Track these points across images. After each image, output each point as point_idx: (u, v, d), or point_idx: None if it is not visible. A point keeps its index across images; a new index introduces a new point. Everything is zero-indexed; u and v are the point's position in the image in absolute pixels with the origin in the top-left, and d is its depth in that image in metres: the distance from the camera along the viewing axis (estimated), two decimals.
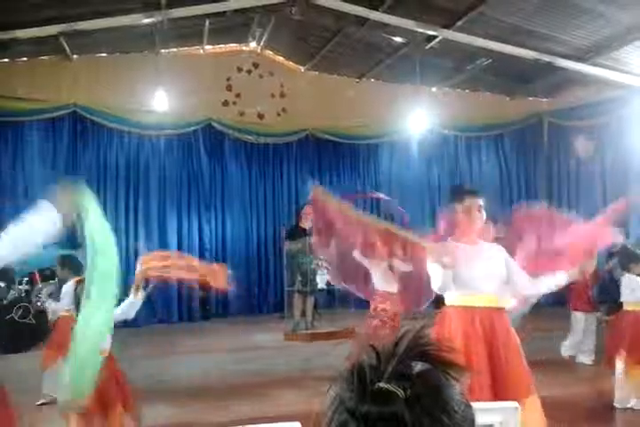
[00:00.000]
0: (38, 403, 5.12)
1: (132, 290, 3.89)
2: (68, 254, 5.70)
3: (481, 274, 2.98)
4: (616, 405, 4.82)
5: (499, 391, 2.76)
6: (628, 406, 4.75)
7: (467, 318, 2.92)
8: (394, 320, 5.99)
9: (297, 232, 7.57)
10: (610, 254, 7.86)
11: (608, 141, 9.18)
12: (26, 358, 6.31)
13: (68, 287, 5.39)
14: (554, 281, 3.18)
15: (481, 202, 3.07)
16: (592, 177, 9.56)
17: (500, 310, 3.00)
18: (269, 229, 9.78)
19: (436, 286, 2.97)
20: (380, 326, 5.99)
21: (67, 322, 5.40)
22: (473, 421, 0.74)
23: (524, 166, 10.61)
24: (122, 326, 8.62)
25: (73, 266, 5.32)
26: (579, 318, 6.59)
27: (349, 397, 0.71)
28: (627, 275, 4.95)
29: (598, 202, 9.46)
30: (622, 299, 4.93)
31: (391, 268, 6.16)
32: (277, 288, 9.34)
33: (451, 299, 3.05)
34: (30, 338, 6.58)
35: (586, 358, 6.55)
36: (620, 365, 4.76)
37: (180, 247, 9.25)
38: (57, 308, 5.40)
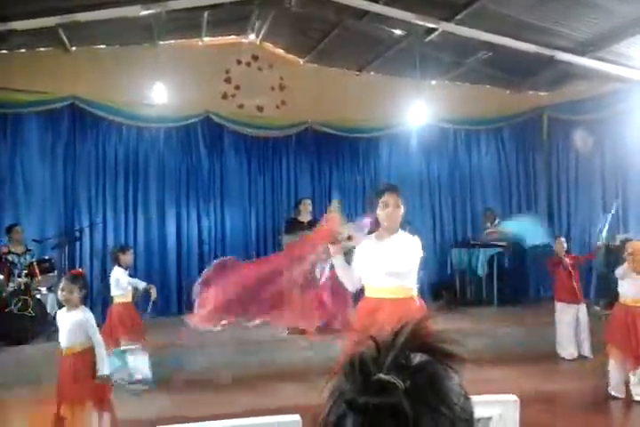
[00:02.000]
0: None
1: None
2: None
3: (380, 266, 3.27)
4: (611, 392, 4.89)
5: None
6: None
7: (375, 307, 3.21)
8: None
9: (295, 225, 7.56)
10: (608, 249, 7.88)
11: (608, 136, 9.16)
12: (25, 351, 6.33)
13: (120, 274, 5.51)
14: None
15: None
16: (592, 171, 9.56)
17: (406, 298, 3.24)
18: (268, 223, 9.77)
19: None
20: None
21: (124, 307, 5.53)
22: (472, 413, 0.74)
23: (524, 160, 10.59)
24: None
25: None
26: (559, 309, 6.62)
27: (348, 388, 0.71)
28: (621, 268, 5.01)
29: (597, 196, 9.48)
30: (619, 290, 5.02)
31: None
32: None
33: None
34: (30, 331, 6.59)
35: (564, 352, 6.53)
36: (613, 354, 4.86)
37: (178, 240, 9.26)
38: (114, 294, 5.58)
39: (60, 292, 3.88)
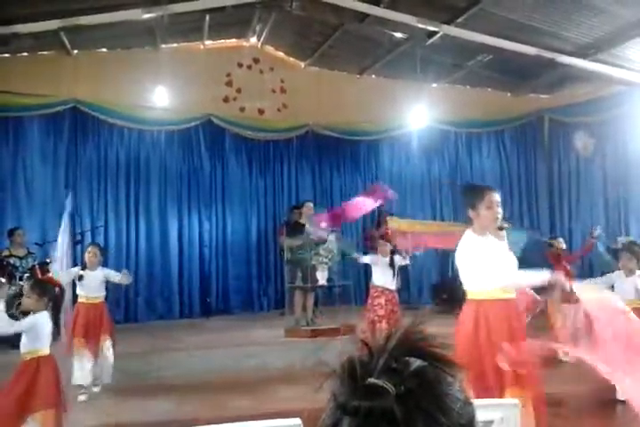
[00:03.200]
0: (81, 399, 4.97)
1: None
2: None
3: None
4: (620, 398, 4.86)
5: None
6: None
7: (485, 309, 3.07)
8: (390, 315, 6.06)
9: (297, 228, 7.56)
10: (608, 250, 7.86)
11: (609, 138, 9.16)
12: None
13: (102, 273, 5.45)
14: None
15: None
16: (592, 173, 9.56)
17: (513, 300, 3.14)
18: (269, 225, 9.77)
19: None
20: (376, 320, 6.07)
21: (95, 307, 5.38)
22: (472, 418, 0.73)
23: (525, 163, 10.59)
24: (122, 322, 8.67)
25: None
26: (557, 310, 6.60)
27: (341, 392, 0.71)
28: (617, 271, 4.99)
29: (598, 198, 9.47)
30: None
31: (392, 264, 6.21)
32: (278, 284, 9.35)
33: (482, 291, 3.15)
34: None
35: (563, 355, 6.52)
36: None
37: (180, 242, 9.26)
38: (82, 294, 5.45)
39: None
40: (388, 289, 6.19)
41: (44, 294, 3.77)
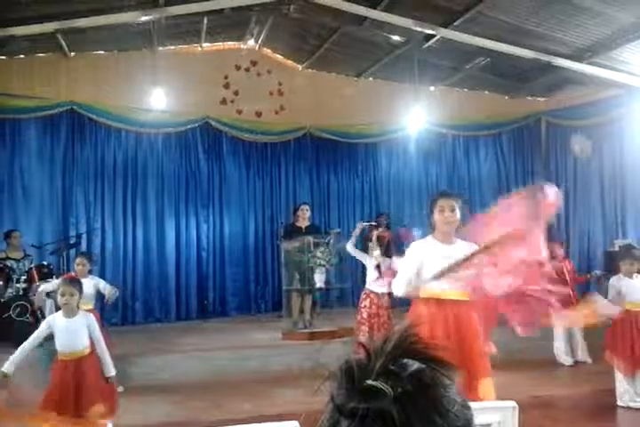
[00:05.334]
0: None
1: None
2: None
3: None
4: (620, 403, 4.85)
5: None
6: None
7: (437, 308, 3.21)
8: (373, 318, 6.11)
9: (294, 231, 7.56)
10: (607, 254, 7.87)
11: (606, 141, 9.18)
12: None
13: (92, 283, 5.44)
14: None
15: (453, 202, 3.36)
16: (590, 176, 9.57)
17: (465, 302, 3.22)
18: (267, 228, 9.77)
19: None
20: (362, 322, 6.12)
21: None
22: (469, 420, 0.73)
23: (522, 166, 10.61)
24: (120, 324, 8.65)
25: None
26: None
27: (339, 394, 0.71)
28: (619, 275, 4.97)
29: (596, 201, 9.48)
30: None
31: (378, 267, 6.25)
32: (275, 287, 9.34)
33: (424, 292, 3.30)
34: (28, 336, 6.55)
35: (561, 358, 6.55)
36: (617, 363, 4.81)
37: (177, 245, 9.24)
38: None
39: (60, 297, 3.87)
40: (373, 292, 6.22)
41: (82, 290, 3.94)
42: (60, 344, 3.83)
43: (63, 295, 3.83)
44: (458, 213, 3.35)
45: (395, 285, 3.34)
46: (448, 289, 3.22)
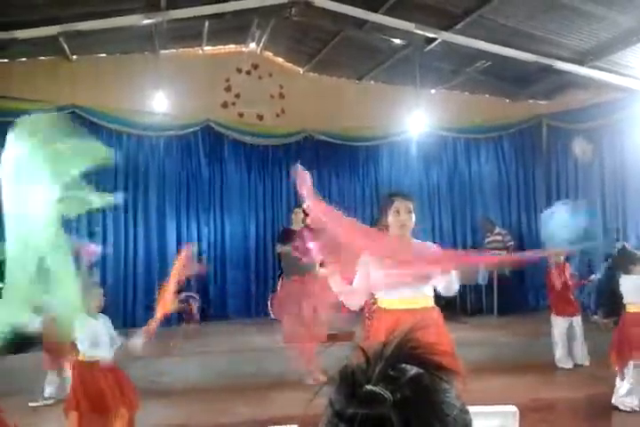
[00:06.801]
0: (33, 404, 5.07)
1: None
2: None
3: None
4: (616, 404, 4.84)
5: None
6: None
7: (398, 318, 3.00)
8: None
9: (288, 234, 7.54)
10: (607, 257, 7.86)
11: (607, 144, 9.18)
12: (21, 360, 6.29)
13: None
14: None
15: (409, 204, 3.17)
16: (591, 179, 9.56)
17: (426, 308, 3.09)
18: (268, 231, 9.76)
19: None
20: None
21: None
22: (467, 425, 0.73)
23: (523, 169, 10.59)
24: (121, 327, 8.63)
25: None
26: (553, 322, 6.62)
27: (338, 399, 0.71)
28: (626, 276, 4.96)
29: (597, 204, 9.47)
30: (625, 301, 4.94)
31: None
32: (276, 290, 9.33)
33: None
34: (26, 340, 6.55)
35: (561, 362, 6.54)
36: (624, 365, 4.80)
37: (178, 249, 9.22)
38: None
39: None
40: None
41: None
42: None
43: None
44: (413, 217, 3.14)
45: (346, 300, 3.13)
46: (407, 298, 3.06)
